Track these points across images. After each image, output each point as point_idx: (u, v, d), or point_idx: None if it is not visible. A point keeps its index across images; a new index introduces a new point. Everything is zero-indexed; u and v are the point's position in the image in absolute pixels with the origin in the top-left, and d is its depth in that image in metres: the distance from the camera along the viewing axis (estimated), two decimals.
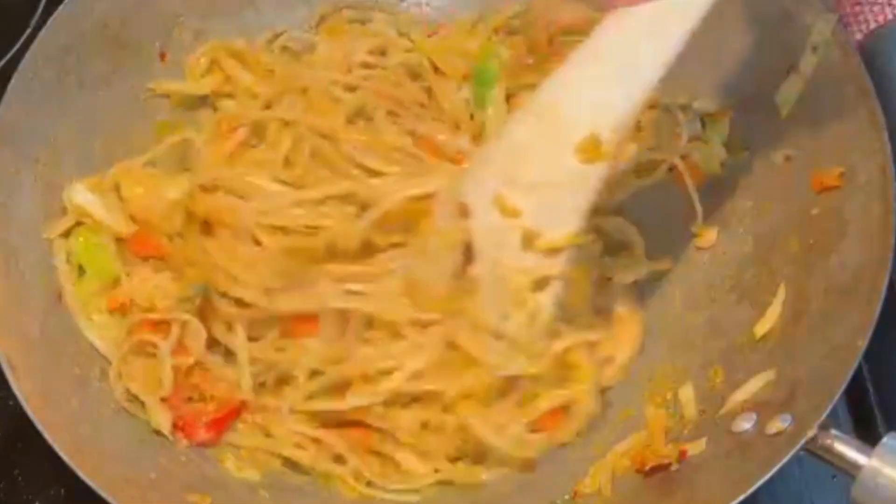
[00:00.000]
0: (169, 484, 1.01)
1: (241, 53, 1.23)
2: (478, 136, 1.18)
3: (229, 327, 1.09)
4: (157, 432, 1.06)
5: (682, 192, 1.14)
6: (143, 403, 1.07)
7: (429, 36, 1.27)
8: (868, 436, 0.93)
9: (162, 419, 1.06)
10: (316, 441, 1.08)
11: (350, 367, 1.07)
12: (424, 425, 1.07)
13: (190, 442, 1.06)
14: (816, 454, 0.93)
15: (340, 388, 1.07)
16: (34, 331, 1.04)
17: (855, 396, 1.06)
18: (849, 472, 0.91)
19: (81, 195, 1.13)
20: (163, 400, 1.07)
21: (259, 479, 1.07)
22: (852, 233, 1.02)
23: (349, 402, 1.06)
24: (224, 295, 1.08)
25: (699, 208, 1.13)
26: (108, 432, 1.03)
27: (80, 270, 1.11)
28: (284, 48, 1.26)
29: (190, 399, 1.07)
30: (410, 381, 1.06)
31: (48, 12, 1.15)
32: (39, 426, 0.95)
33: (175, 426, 1.06)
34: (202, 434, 1.07)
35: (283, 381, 1.09)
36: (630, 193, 1.14)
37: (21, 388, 0.97)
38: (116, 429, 1.04)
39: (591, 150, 0.98)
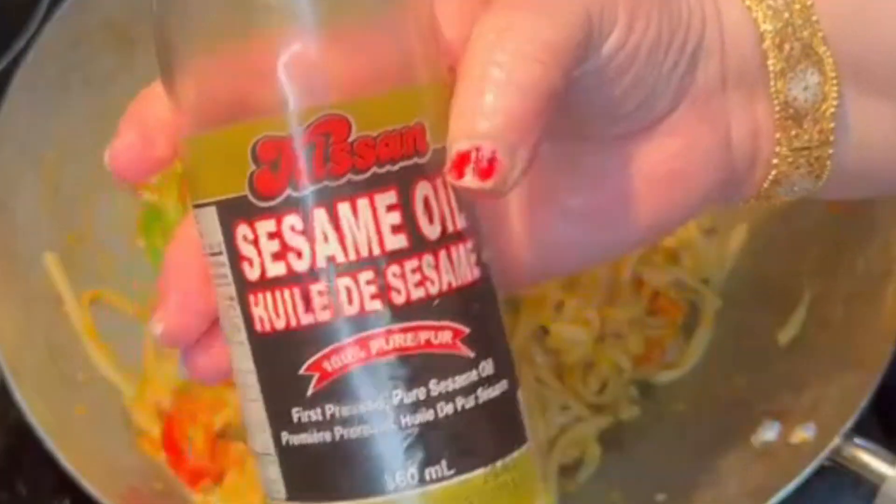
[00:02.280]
0: (175, 494, 1.00)
1: None
2: None
3: None
4: None
5: None
6: None
7: None
8: None
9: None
10: None
11: None
12: None
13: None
14: (840, 464, 0.91)
15: None
16: (38, 336, 1.02)
17: (885, 405, 1.03)
18: (873, 482, 0.89)
19: None
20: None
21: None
22: (879, 235, 1.00)
23: None
24: None
25: None
26: (112, 441, 1.01)
27: None
28: None
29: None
30: None
31: (52, 8, 1.12)
32: (42, 435, 0.93)
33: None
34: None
35: None
36: None
37: (24, 396, 0.95)
38: (122, 438, 1.03)
39: None
